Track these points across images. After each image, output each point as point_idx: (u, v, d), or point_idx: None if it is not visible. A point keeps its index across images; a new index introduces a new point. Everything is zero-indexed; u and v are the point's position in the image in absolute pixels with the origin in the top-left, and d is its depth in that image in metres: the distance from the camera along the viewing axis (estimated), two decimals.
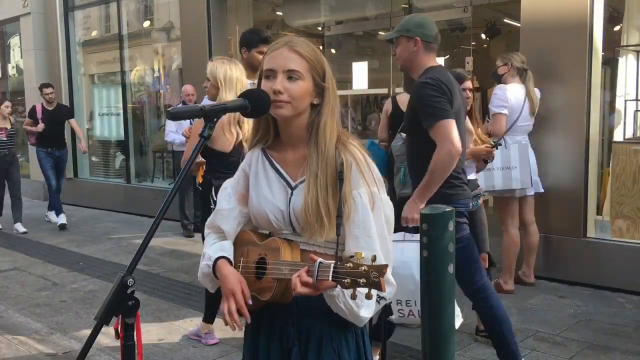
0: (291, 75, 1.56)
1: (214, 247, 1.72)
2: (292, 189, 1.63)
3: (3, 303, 4.87)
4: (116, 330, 1.49)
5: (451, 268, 2.68)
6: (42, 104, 8.26)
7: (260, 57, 3.63)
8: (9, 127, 7.82)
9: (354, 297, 1.37)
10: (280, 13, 9.66)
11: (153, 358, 3.73)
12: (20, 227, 7.79)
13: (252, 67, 3.92)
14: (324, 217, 1.55)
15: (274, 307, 1.63)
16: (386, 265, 1.36)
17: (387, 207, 1.62)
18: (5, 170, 7.77)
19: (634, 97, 5.54)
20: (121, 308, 1.46)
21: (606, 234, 5.06)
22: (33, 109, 8.32)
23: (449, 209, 2.73)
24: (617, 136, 5.55)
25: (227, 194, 1.78)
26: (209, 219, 1.81)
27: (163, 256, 6.24)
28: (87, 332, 1.48)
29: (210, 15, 7.85)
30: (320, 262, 1.42)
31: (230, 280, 1.62)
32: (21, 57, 11.25)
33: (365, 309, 1.52)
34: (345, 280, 1.35)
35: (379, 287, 1.32)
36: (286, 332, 1.64)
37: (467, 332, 4.00)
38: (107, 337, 3.83)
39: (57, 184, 8.21)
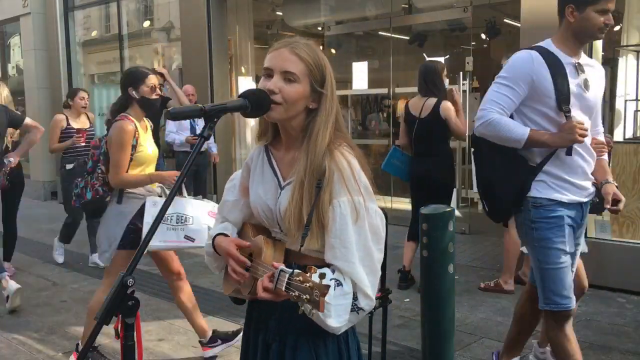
0: (287, 77, 1.55)
1: (217, 228, 1.79)
2: (281, 188, 1.65)
3: (3, 303, 4.87)
4: (116, 330, 1.49)
5: (451, 268, 2.68)
6: None
7: (601, 19, 2.58)
8: (87, 126, 5.91)
9: (300, 310, 1.37)
10: (280, 13, 9.67)
11: (153, 358, 3.74)
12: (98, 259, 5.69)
13: (581, 35, 2.67)
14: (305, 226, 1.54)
15: (262, 303, 1.64)
16: (328, 286, 1.32)
17: (376, 216, 1.58)
18: None
19: (634, 97, 5.54)
20: (121, 308, 1.46)
21: (606, 234, 5.05)
22: None
23: (448, 209, 2.74)
24: (617, 136, 5.55)
25: (233, 185, 1.83)
26: (218, 207, 1.87)
27: None
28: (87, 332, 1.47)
29: (210, 15, 7.85)
30: (281, 270, 1.41)
31: (223, 244, 1.69)
32: (21, 57, 11.25)
33: (335, 319, 1.47)
34: (294, 294, 1.35)
35: (317, 306, 1.30)
36: (268, 327, 1.67)
37: (467, 332, 4.01)
38: (107, 337, 3.83)
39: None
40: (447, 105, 4.70)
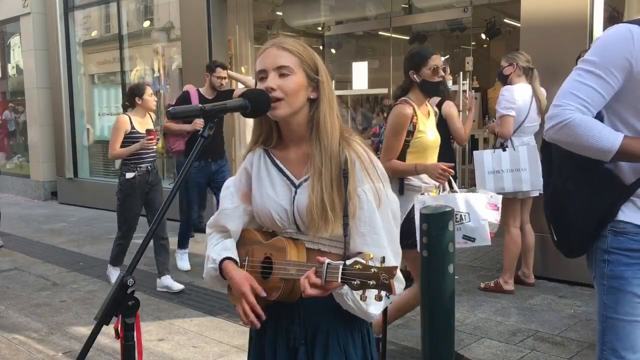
0: (282, 71, 1.57)
1: (217, 248, 1.73)
2: (296, 187, 1.63)
3: (3, 303, 4.87)
4: (116, 330, 1.49)
5: (451, 268, 2.68)
6: (198, 89, 5.62)
7: None
8: (152, 127, 5.09)
9: (363, 298, 1.37)
10: (280, 13, 9.67)
11: (153, 358, 3.74)
12: (169, 282, 5.07)
13: None
14: (329, 212, 1.54)
15: (280, 306, 1.63)
16: (396, 267, 1.36)
17: (393, 202, 1.63)
18: (145, 195, 5.11)
19: None
20: (121, 308, 1.46)
21: None
22: (185, 95, 5.59)
23: (448, 209, 2.74)
24: None
25: (229, 192, 1.78)
26: (211, 219, 1.81)
27: None
28: (87, 332, 1.48)
29: (210, 15, 7.85)
30: (328, 264, 1.41)
31: (237, 282, 1.63)
32: (21, 57, 11.25)
33: (374, 306, 1.53)
34: (355, 282, 1.35)
35: (389, 289, 1.33)
36: (292, 331, 1.64)
37: (467, 332, 4.01)
38: (107, 337, 3.83)
39: (197, 212, 6.01)
40: (449, 104, 4.71)
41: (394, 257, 1.59)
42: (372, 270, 1.33)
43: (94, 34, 10.42)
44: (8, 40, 12.29)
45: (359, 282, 1.34)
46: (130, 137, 4.91)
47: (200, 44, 7.90)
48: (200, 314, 4.49)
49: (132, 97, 5.02)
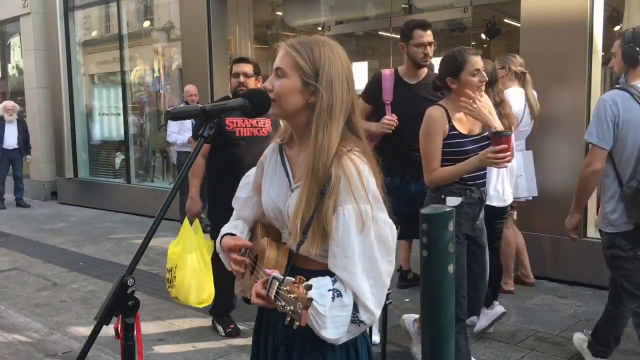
0: (277, 73, 1.56)
1: (227, 227, 1.78)
2: (292, 190, 1.62)
3: (3, 303, 4.87)
4: (116, 330, 1.49)
5: (451, 268, 2.68)
6: (396, 70, 3.82)
7: None
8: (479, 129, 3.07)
9: (285, 321, 1.35)
10: (280, 13, 9.67)
11: (153, 358, 3.73)
12: None
13: None
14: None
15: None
16: (310, 299, 1.29)
17: (385, 226, 1.52)
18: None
19: None
20: (121, 308, 1.46)
21: None
22: (377, 82, 3.74)
23: (448, 209, 2.74)
24: None
25: (246, 182, 1.82)
26: (232, 203, 1.87)
27: (163, 256, 6.20)
28: (87, 332, 1.48)
29: (210, 15, 7.86)
30: (273, 277, 1.40)
31: (224, 242, 1.70)
32: (21, 57, 11.25)
33: (332, 331, 1.43)
34: (280, 304, 1.33)
35: (299, 319, 1.29)
36: (276, 331, 1.65)
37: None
38: (107, 337, 3.83)
39: None
40: None
41: (371, 285, 1.48)
42: (292, 296, 1.30)
43: (94, 34, 10.42)
44: (8, 40, 12.30)
45: (282, 305, 1.32)
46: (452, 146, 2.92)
47: (200, 44, 7.90)
48: (200, 314, 4.49)
49: (455, 71, 2.93)
